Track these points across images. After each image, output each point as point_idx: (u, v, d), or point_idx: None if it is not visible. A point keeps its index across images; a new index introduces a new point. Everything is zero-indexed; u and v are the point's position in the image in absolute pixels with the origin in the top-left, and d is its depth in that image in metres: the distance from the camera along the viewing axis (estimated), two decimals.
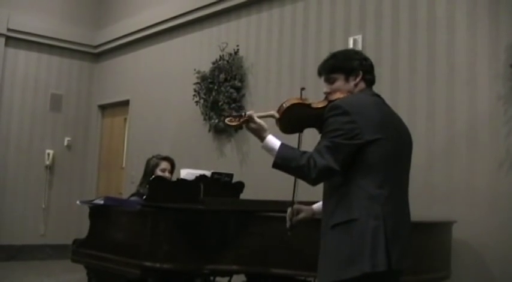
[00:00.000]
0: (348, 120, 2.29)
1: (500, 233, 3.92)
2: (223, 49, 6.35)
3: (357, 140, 2.28)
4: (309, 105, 2.48)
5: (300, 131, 2.58)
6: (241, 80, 6.20)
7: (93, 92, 9.19)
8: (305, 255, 3.38)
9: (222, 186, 4.04)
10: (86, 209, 4.25)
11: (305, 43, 5.59)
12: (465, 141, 4.19)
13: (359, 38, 5.03)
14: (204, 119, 6.51)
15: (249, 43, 6.26)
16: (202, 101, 6.53)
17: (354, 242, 2.23)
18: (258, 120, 2.47)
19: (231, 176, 4.19)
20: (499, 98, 4.02)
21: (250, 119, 2.46)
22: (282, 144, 2.41)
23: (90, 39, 9.10)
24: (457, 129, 4.25)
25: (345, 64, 2.55)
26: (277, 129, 2.55)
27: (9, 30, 8.27)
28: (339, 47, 5.17)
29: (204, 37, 6.95)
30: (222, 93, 6.22)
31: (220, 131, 6.36)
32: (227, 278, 4.47)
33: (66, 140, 8.86)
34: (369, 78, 2.57)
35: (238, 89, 6.18)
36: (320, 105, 2.47)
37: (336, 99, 2.42)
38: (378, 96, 2.55)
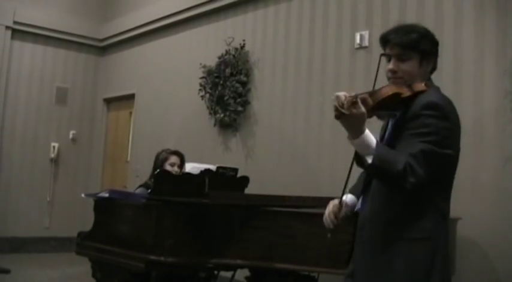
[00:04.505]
0: (446, 126, 2.04)
1: (505, 229, 3.90)
2: (230, 43, 6.34)
3: (449, 150, 2.05)
4: (400, 95, 2.10)
5: (370, 117, 2.10)
6: (247, 75, 6.19)
7: (98, 85, 9.20)
8: (309, 250, 3.38)
9: (227, 180, 4.04)
10: (91, 202, 4.25)
11: (311, 38, 5.57)
12: (471, 138, 4.17)
13: (366, 33, 5.01)
14: (210, 114, 6.51)
15: (255, 38, 6.25)
16: (208, 95, 6.53)
17: (428, 262, 2.04)
18: (363, 108, 1.94)
19: (236, 170, 4.19)
20: (506, 94, 4.01)
21: (355, 104, 1.92)
22: (377, 142, 2.01)
23: (96, 32, 9.10)
24: (463, 126, 4.17)
25: (424, 44, 2.18)
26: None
27: (15, 23, 8.28)
28: (345, 43, 5.17)
29: (210, 31, 6.94)
30: (227, 87, 6.21)
31: (226, 126, 6.36)
32: (231, 272, 4.48)
33: (72, 133, 8.87)
34: (435, 68, 2.26)
35: (244, 84, 6.17)
36: (407, 95, 2.11)
37: (420, 92, 2.12)
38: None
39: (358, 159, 2.03)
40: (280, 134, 5.70)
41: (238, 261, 3.59)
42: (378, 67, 2.13)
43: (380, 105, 2.05)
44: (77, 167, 8.93)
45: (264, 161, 5.78)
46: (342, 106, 1.90)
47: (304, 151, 5.34)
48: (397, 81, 2.18)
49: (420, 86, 2.14)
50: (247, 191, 4.30)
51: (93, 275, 4.00)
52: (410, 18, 4.67)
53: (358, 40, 5.00)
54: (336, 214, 2.22)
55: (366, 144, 1.98)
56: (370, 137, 1.99)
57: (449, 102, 2.13)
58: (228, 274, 4.51)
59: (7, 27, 8.23)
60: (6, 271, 6.61)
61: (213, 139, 6.58)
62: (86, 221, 6.62)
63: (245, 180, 4.27)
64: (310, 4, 5.65)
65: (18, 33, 8.39)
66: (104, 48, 9.23)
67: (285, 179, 5.45)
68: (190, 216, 3.57)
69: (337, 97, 1.92)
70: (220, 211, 3.62)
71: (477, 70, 4.21)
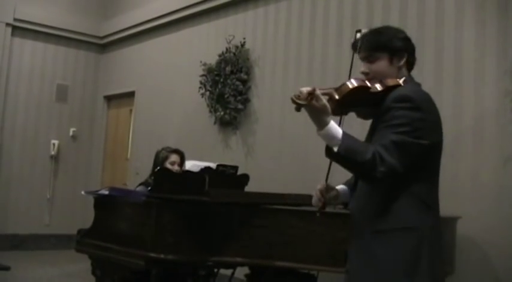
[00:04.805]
0: (418, 117, 2.07)
1: (505, 229, 3.91)
2: (230, 41, 6.33)
3: (424, 141, 2.07)
4: (369, 89, 2.18)
5: (346, 113, 2.24)
6: (248, 73, 6.19)
7: (99, 82, 9.20)
8: (309, 248, 3.38)
9: (227, 178, 4.04)
10: (91, 199, 4.25)
11: (312, 36, 5.57)
12: (471, 137, 4.18)
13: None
14: (210, 112, 6.50)
15: (256, 36, 6.25)
16: (208, 93, 6.53)
17: (412, 252, 2.06)
18: (324, 100, 2.04)
19: (236, 168, 4.19)
20: (507, 94, 4.00)
21: (316, 97, 2.01)
22: (344, 133, 2.05)
23: (97, 30, 9.10)
24: (464, 125, 4.24)
25: (390, 43, 2.26)
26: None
27: (15, 20, 8.28)
28: (346, 41, 5.16)
29: (211, 29, 6.94)
30: (228, 85, 6.21)
31: (226, 124, 6.36)
32: (231, 270, 4.48)
33: (72, 130, 8.88)
34: (411, 63, 2.34)
35: (244, 82, 6.17)
36: (378, 90, 2.18)
37: (393, 86, 2.19)
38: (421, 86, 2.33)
39: (327, 150, 2.09)
40: (281, 132, 5.70)
41: (238, 259, 3.59)
42: (352, 63, 2.30)
43: (348, 100, 2.13)
44: (77, 164, 8.93)
45: (264, 159, 5.78)
46: (299, 97, 1.99)
47: (304, 149, 5.34)
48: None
49: (393, 81, 2.20)
50: (247, 189, 4.29)
51: (93, 273, 4.00)
52: (411, 18, 4.67)
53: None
54: (322, 192, 2.29)
55: (332, 135, 2.04)
56: (336, 128, 2.05)
57: (423, 96, 2.18)
58: (228, 272, 4.51)
59: (7, 25, 8.23)
60: (6, 268, 6.62)
61: (213, 137, 6.58)
62: (86, 218, 6.62)
63: (245, 178, 4.27)
64: (311, 2, 5.65)
65: (19, 30, 8.39)
66: (104, 46, 9.23)
67: (285, 177, 5.45)
68: (190, 214, 3.57)
69: (299, 91, 2.02)
70: (220, 209, 3.62)
71: (478, 70, 4.21)
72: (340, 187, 2.44)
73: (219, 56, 6.42)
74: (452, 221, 3.83)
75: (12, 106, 8.33)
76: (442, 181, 4.38)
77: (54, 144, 8.65)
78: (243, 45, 6.24)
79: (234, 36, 6.33)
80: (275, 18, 6.06)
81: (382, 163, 2.00)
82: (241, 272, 4.29)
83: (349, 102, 2.15)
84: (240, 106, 6.13)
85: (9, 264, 6.72)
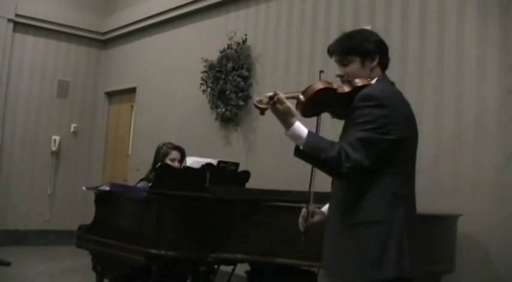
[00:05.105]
0: (383, 114, 2.15)
1: (506, 227, 3.90)
2: (231, 38, 6.33)
3: (390, 136, 2.15)
4: (335, 90, 2.29)
5: (318, 115, 2.36)
6: (249, 69, 6.18)
7: (100, 78, 9.20)
8: (310, 245, 3.38)
9: (228, 175, 4.04)
10: (92, 195, 4.26)
11: (314, 33, 5.56)
12: (473, 135, 4.17)
13: (368, 29, 4.99)
14: (211, 108, 6.50)
15: (257, 32, 6.24)
16: (209, 89, 6.53)
17: (379, 245, 2.14)
18: (287, 103, 2.18)
19: (237, 165, 4.19)
20: (508, 91, 3.99)
21: (279, 100, 2.17)
22: (309, 132, 2.18)
23: (98, 26, 9.09)
24: (465, 123, 4.23)
25: (362, 46, 2.37)
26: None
27: (17, 15, 8.27)
28: None
29: (212, 26, 6.93)
30: (229, 82, 6.20)
31: (227, 120, 6.36)
32: (231, 267, 4.48)
33: (73, 126, 8.88)
34: (385, 63, 2.42)
35: (245, 78, 6.17)
36: (346, 91, 2.29)
37: (361, 86, 2.28)
38: (394, 84, 2.43)
39: (295, 149, 2.20)
40: (282, 129, 5.64)
41: (239, 256, 3.60)
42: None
43: (316, 102, 2.24)
44: (78, 160, 8.93)
45: (265, 156, 5.78)
46: (260, 102, 2.16)
47: None
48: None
49: (362, 81, 2.31)
50: (248, 185, 4.30)
51: (94, 268, 4.01)
52: (413, 14, 4.66)
53: None
54: (304, 219, 2.44)
55: (297, 135, 2.17)
56: (301, 128, 2.18)
57: (388, 93, 2.26)
58: (228, 268, 4.51)
59: (9, 20, 8.23)
60: (7, 264, 6.64)
61: (214, 133, 6.58)
62: (87, 214, 6.62)
63: (246, 174, 4.27)
64: None
65: (20, 26, 8.38)
66: (105, 42, 9.23)
67: (285, 174, 5.44)
68: (191, 210, 3.57)
69: (262, 96, 2.20)
70: (221, 205, 3.62)
71: (479, 67, 4.19)
72: (325, 208, 2.54)
73: (221, 52, 6.42)
74: (453, 218, 3.83)
75: (13, 102, 8.33)
76: (444, 179, 4.39)
77: (55, 140, 8.65)
78: (244, 41, 6.24)
79: (235, 33, 6.32)
80: (276, 14, 6.05)
81: (347, 159, 2.10)
82: (242, 268, 4.30)
83: (317, 103, 2.26)
84: (241, 103, 6.13)
85: (10, 259, 6.73)
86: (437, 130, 4.36)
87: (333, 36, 5.52)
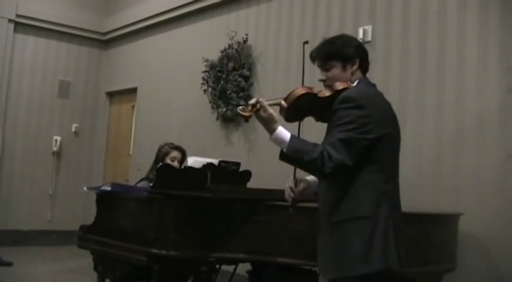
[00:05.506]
0: (362, 114, 2.25)
1: (508, 225, 3.90)
2: (232, 38, 6.33)
3: (370, 135, 2.25)
4: (315, 95, 2.41)
5: (302, 119, 2.51)
6: (250, 69, 6.18)
7: (101, 78, 9.20)
8: (311, 244, 3.38)
9: (229, 174, 4.03)
10: (93, 195, 4.26)
11: (314, 33, 5.55)
12: (474, 133, 4.17)
13: (369, 28, 4.99)
14: (212, 108, 6.50)
15: (258, 32, 6.24)
16: (210, 89, 6.53)
17: (365, 240, 2.23)
18: (270, 110, 2.30)
19: (238, 164, 4.19)
20: (509, 90, 3.99)
21: (262, 107, 2.29)
22: (292, 136, 2.31)
23: (99, 26, 9.10)
24: (466, 121, 4.23)
25: (342, 51, 2.48)
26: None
27: (18, 16, 8.27)
28: None
29: (213, 25, 6.93)
30: (230, 81, 6.20)
31: (228, 120, 6.36)
32: (233, 266, 4.48)
33: (74, 126, 8.88)
34: (365, 66, 2.53)
35: (246, 78, 6.17)
36: (327, 95, 2.41)
37: (342, 89, 2.38)
38: (375, 86, 2.53)
39: (280, 153, 2.32)
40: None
41: (240, 255, 3.59)
42: (304, 63, 2.50)
43: (298, 107, 2.35)
44: (79, 160, 8.94)
45: (266, 155, 5.77)
46: (243, 110, 2.28)
47: None
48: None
49: (342, 84, 2.41)
50: (249, 185, 4.29)
51: (95, 268, 4.01)
52: (414, 14, 4.66)
53: (361, 35, 4.97)
54: (292, 188, 2.51)
55: (280, 139, 2.30)
56: (283, 133, 2.30)
57: (367, 94, 2.35)
58: (230, 268, 4.51)
59: (10, 21, 8.23)
60: (8, 264, 6.64)
61: (215, 133, 6.58)
62: (88, 214, 6.64)
63: (247, 174, 4.26)
64: None
65: (21, 26, 8.38)
66: (106, 42, 9.23)
67: (286, 174, 5.43)
68: (192, 210, 3.57)
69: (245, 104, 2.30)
70: (222, 205, 3.62)
71: (480, 66, 4.19)
72: (311, 177, 2.58)
73: (222, 52, 6.42)
74: (454, 217, 3.82)
75: (15, 102, 8.33)
76: (445, 177, 4.39)
77: (56, 140, 8.66)
78: (245, 41, 6.24)
79: (236, 33, 6.32)
80: (277, 14, 6.05)
81: (330, 160, 2.19)
82: (243, 268, 4.30)
83: (300, 108, 2.38)
84: (242, 102, 6.12)
85: (12, 260, 6.73)
86: (439, 128, 4.36)
87: (334, 35, 5.53)
